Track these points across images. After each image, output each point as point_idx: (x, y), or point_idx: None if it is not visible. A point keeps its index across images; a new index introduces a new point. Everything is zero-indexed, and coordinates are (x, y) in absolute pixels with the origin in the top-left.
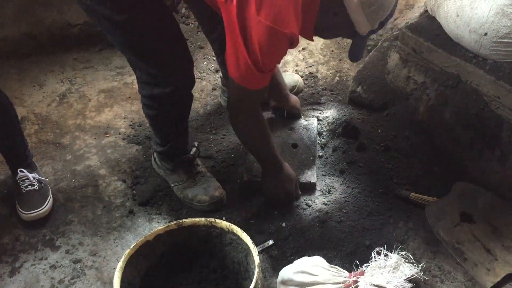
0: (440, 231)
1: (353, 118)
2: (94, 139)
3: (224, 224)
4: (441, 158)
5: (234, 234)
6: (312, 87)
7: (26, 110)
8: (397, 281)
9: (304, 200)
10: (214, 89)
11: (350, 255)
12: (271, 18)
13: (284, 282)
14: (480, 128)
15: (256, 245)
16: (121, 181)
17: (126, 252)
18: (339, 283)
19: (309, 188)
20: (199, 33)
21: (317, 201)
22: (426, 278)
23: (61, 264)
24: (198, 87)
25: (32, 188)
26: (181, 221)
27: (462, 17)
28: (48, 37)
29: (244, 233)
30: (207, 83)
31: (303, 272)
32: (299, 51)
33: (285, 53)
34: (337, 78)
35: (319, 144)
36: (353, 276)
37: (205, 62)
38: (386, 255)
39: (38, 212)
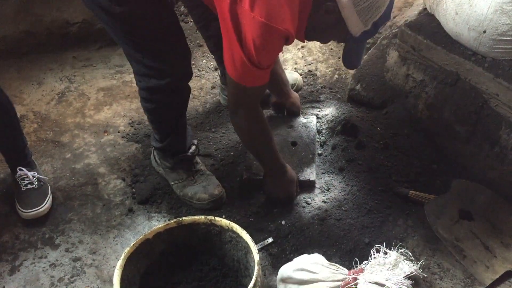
0: (439, 229)
1: (352, 116)
2: (94, 138)
3: (223, 222)
4: (440, 155)
5: (234, 232)
6: (311, 85)
7: (25, 108)
8: (397, 279)
9: (304, 198)
10: (213, 87)
11: (350, 252)
12: (265, 14)
13: (283, 280)
14: (479, 125)
15: (256, 243)
16: (120, 180)
17: (126, 250)
18: (338, 280)
19: (309, 186)
20: (198, 31)
21: (317, 199)
22: (425, 276)
23: (61, 263)
24: (197, 85)
25: (32, 186)
26: (180, 219)
27: (461, 14)
28: (47, 35)
29: (244, 231)
30: (206, 81)
31: (302, 269)
32: (298, 49)
33: (280, 50)
34: (336, 76)
35: (318, 142)
36: (353, 274)
37: (204, 60)
38: (385, 253)
39: (38, 211)
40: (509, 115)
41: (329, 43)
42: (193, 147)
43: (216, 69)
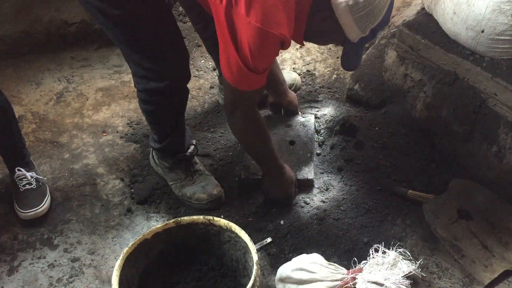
0: (438, 228)
1: (350, 115)
2: (92, 138)
3: (222, 222)
4: (438, 155)
5: (233, 232)
6: (309, 85)
7: (23, 109)
8: (395, 278)
9: (302, 197)
10: (211, 87)
11: (348, 252)
12: (261, 19)
13: (282, 280)
14: (477, 125)
15: (255, 242)
16: (119, 180)
17: (125, 251)
18: (337, 280)
19: (307, 185)
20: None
21: (315, 199)
22: (424, 275)
23: (60, 263)
24: (196, 85)
25: (30, 187)
26: (179, 219)
27: (459, 14)
28: (45, 35)
29: (243, 231)
30: (205, 81)
31: (301, 269)
32: (297, 49)
33: (276, 54)
34: (334, 76)
35: (316, 141)
36: (351, 273)
37: (203, 60)
38: (384, 252)
39: (36, 211)
40: (507, 114)
41: None
42: (192, 147)
43: (214, 69)
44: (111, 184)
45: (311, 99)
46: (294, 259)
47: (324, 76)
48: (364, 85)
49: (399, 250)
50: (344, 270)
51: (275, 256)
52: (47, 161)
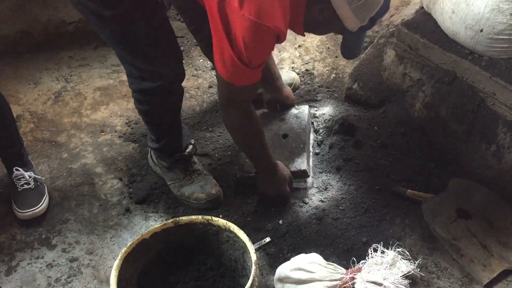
0: (437, 228)
1: (349, 115)
2: (90, 137)
3: (221, 222)
4: (437, 154)
5: (231, 232)
6: (308, 84)
7: (21, 108)
8: (394, 278)
9: (301, 197)
10: (210, 87)
11: (347, 252)
12: (255, 12)
13: (281, 279)
14: (476, 124)
15: (253, 242)
16: (117, 179)
17: (123, 250)
18: (336, 280)
19: (300, 176)
20: None
21: (314, 198)
22: (423, 275)
23: (58, 263)
24: (194, 84)
25: (28, 186)
26: (177, 219)
27: (458, 13)
28: (43, 35)
29: (241, 230)
30: (203, 80)
31: (300, 269)
32: (295, 48)
33: (272, 49)
34: (333, 75)
35: (315, 140)
36: (350, 273)
37: (201, 60)
38: (382, 252)
39: (34, 211)
40: (506, 114)
41: (326, 43)
42: (190, 146)
43: (213, 69)
44: (109, 183)
45: (310, 99)
46: (292, 259)
47: (323, 75)
48: (363, 84)
49: (398, 249)
50: (343, 270)
51: (274, 256)
52: (45, 160)
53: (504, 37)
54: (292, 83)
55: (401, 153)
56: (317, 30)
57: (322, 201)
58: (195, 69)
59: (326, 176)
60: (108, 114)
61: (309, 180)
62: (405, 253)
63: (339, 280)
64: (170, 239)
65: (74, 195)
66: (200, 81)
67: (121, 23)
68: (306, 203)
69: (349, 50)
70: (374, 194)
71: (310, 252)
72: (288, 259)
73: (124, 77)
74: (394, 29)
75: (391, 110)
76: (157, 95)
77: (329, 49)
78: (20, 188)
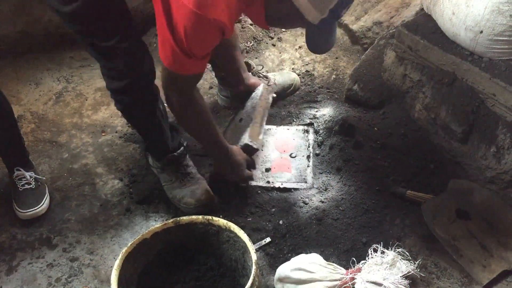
0: (437, 228)
1: (349, 116)
2: (91, 138)
3: (221, 222)
4: (437, 155)
5: (232, 232)
6: (308, 85)
7: (22, 108)
8: (394, 278)
9: (301, 198)
10: (211, 87)
11: (347, 252)
12: (194, 1)
13: (281, 280)
14: (476, 125)
15: (253, 242)
16: (118, 180)
17: (124, 250)
18: (336, 280)
19: (250, 151)
20: None
21: (314, 199)
22: (423, 275)
23: (58, 263)
24: None
25: (29, 186)
26: (178, 219)
27: (458, 15)
28: (44, 35)
29: (242, 230)
30: (204, 81)
31: (300, 269)
32: (296, 49)
33: (216, 41)
34: (333, 76)
35: (314, 134)
36: (350, 273)
37: None
38: (382, 252)
39: (35, 211)
40: (506, 115)
41: None
42: (181, 148)
43: (212, 70)
44: (110, 184)
45: (310, 100)
46: (293, 259)
47: (323, 76)
48: (363, 85)
49: (397, 250)
50: (343, 270)
51: (274, 256)
52: (46, 160)
53: (504, 38)
54: (292, 84)
55: (401, 154)
56: (280, 23)
57: (322, 202)
58: None
59: (326, 176)
60: (108, 114)
61: (309, 180)
62: (405, 253)
63: (339, 280)
64: (170, 239)
65: (74, 195)
66: (200, 82)
67: (78, 19)
68: (306, 204)
69: (313, 43)
70: (374, 194)
71: (310, 252)
72: (288, 259)
73: None
74: (394, 30)
75: (391, 111)
76: (125, 94)
77: (329, 51)
78: (21, 188)
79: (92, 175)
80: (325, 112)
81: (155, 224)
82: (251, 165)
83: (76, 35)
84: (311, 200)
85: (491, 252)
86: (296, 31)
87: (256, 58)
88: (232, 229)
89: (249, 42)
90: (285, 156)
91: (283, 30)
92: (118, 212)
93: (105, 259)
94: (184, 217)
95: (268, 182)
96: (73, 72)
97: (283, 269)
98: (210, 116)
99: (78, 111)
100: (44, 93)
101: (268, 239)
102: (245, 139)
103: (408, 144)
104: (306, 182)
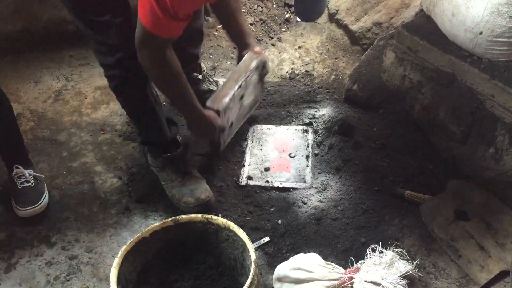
0: (435, 229)
1: (349, 116)
2: (90, 136)
3: (220, 220)
4: (436, 156)
5: (231, 231)
6: (308, 85)
7: (21, 106)
8: (392, 278)
9: (300, 197)
10: None
11: (346, 252)
12: None
13: (280, 279)
14: (475, 126)
15: (252, 242)
16: (117, 178)
17: (123, 249)
18: (334, 279)
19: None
20: None
21: (313, 199)
22: (421, 275)
23: (57, 261)
24: None
25: (28, 184)
26: (177, 217)
27: (458, 16)
28: (44, 33)
29: (241, 229)
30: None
31: (299, 268)
32: (295, 49)
33: (199, 2)
34: (333, 76)
35: (313, 134)
36: (349, 273)
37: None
38: (381, 252)
39: (34, 209)
40: (505, 116)
41: (326, 44)
42: (182, 147)
43: (213, 68)
44: (109, 182)
45: (309, 100)
46: (291, 259)
47: (323, 76)
48: (362, 85)
49: (396, 250)
50: (342, 270)
51: (273, 256)
52: (45, 159)
53: (503, 39)
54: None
55: (400, 154)
56: None
57: (321, 202)
58: None
59: (325, 176)
60: (108, 113)
61: (308, 180)
62: (403, 253)
63: (338, 279)
64: (169, 237)
65: (74, 194)
66: None
67: None
68: (305, 203)
69: (302, 9)
70: (373, 195)
71: (309, 252)
72: (287, 259)
73: None
74: (394, 31)
75: (391, 111)
76: (118, 69)
77: (329, 51)
78: (20, 186)
79: (91, 173)
80: (324, 112)
81: (154, 222)
82: (221, 135)
83: (70, 12)
84: (310, 199)
85: (489, 252)
86: (295, 32)
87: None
88: (231, 228)
89: None
90: (284, 155)
91: (283, 30)
92: (117, 211)
93: (104, 257)
94: (183, 216)
95: (267, 181)
96: (72, 71)
97: (282, 269)
98: (183, 77)
99: (78, 109)
100: (44, 91)
101: (267, 238)
102: (208, 101)
103: (407, 145)
104: (305, 182)
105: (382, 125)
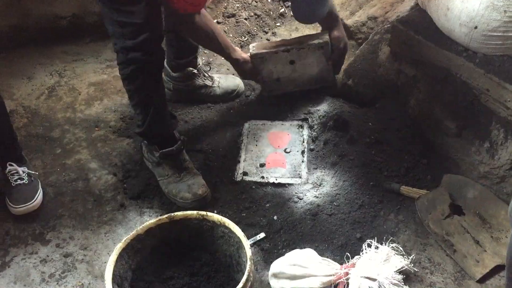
0: (430, 223)
1: (344, 111)
2: (84, 133)
3: (215, 217)
4: (431, 150)
5: (226, 227)
6: None
7: (14, 103)
8: (388, 273)
9: (296, 193)
10: None
11: (341, 247)
12: None
13: (275, 275)
14: (470, 121)
15: (248, 238)
16: (112, 175)
17: (118, 246)
18: (330, 275)
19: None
20: None
21: (309, 194)
22: (416, 270)
23: (52, 258)
24: None
25: (22, 182)
26: (172, 214)
27: (453, 10)
28: (37, 29)
29: (236, 226)
30: None
31: (294, 264)
32: None
33: None
34: None
35: (308, 129)
36: (344, 268)
37: None
38: (376, 247)
39: (28, 206)
40: (500, 110)
41: None
42: (179, 142)
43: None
44: (103, 179)
45: (304, 95)
46: (287, 255)
47: None
48: (357, 80)
49: (391, 245)
50: (337, 265)
51: (269, 252)
52: (39, 156)
53: (498, 34)
54: (235, 90)
55: (395, 149)
56: None
57: (317, 197)
58: None
59: (321, 172)
60: (102, 109)
61: (304, 176)
62: (398, 248)
63: (334, 275)
64: (165, 234)
65: (68, 191)
66: None
67: None
68: (301, 199)
69: (298, 9)
70: (369, 190)
71: (304, 248)
72: (283, 255)
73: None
74: (389, 25)
75: (386, 106)
76: (139, 52)
77: None
78: (13, 183)
79: (85, 170)
80: (319, 107)
81: (150, 219)
82: (249, 75)
83: None
84: (305, 195)
85: (484, 247)
86: (290, 27)
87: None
88: (226, 224)
89: (243, 37)
90: (279, 151)
91: (278, 24)
92: (112, 208)
93: (99, 254)
94: (179, 213)
95: (263, 177)
96: (66, 67)
97: (278, 265)
98: (215, 32)
99: (71, 105)
100: (37, 87)
101: (262, 235)
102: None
103: (403, 139)
104: (300, 177)
105: (377, 120)
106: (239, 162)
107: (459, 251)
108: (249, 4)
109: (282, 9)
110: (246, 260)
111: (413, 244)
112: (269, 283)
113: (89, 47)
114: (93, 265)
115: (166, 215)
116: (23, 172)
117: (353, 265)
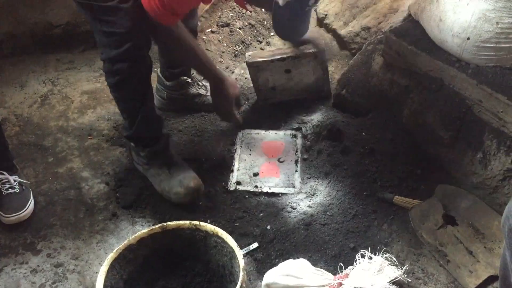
0: (424, 234)
1: (337, 121)
2: (77, 141)
3: (208, 227)
4: (424, 160)
5: (219, 237)
6: None
7: (7, 111)
8: (381, 284)
9: (289, 202)
10: None
11: (335, 257)
12: None
13: (268, 285)
14: (463, 131)
15: (241, 248)
16: (104, 184)
17: (109, 256)
18: (323, 285)
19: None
20: None
21: (302, 204)
22: (410, 280)
23: (42, 268)
24: None
25: (13, 191)
26: (165, 224)
27: (445, 21)
28: (30, 37)
29: (229, 236)
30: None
31: (288, 275)
32: None
33: (197, 2)
34: None
35: (302, 139)
36: (338, 279)
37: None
38: (370, 258)
39: (19, 215)
40: (492, 121)
41: None
42: (163, 138)
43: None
44: (96, 188)
45: (298, 104)
46: (280, 265)
47: None
48: (351, 90)
49: (385, 255)
50: (331, 276)
51: (262, 262)
52: (31, 164)
53: (490, 45)
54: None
55: (388, 159)
56: (254, 1)
57: (310, 207)
58: None
59: (314, 181)
60: (95, 118)
61: (297, 185)
62: (392, 259)
63: (327, 286)
64: (157, 244)
65: (59, 200)
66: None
67: None
68: (294, 209)
69: (279, 26)
70: (362, 199)
71: (298, 258)
72: (276, 265)
73: None
74: (382, 36)
75: (379, 116)
76: (125, 62)
77: None
78: (4, 192)
79: (77, 179)
80: (313, 117)
81: (142, 229)
82: (238, 102)
83: (77, 4)
84: (299, 205)
85: (477, 257)
86: None
87: (244, 62)
88: (219, 234)
89: (237, 46)
90: (273, 160)
91: (272, 34)
92: (104, 217)
93: (91, 264)
94: (171, 223)
95: (256, 186)
96: (59, 75)
97: (271, 275)
98: (195, 46)
99: (64, 114)
100: (29, 95)
101: (255, 244)
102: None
103: (396, 150)
104: (294, 187)
105: (371, 130)
106: (232, 171)
107: (453, 262)
108: (243, 14)
109: None
110: (239, 271)
111: (407, 254)
112: None
113: (82, 55)
114: (85, 275)
115: (158, 225)
116: (15, 181)
117: (347, 276)
